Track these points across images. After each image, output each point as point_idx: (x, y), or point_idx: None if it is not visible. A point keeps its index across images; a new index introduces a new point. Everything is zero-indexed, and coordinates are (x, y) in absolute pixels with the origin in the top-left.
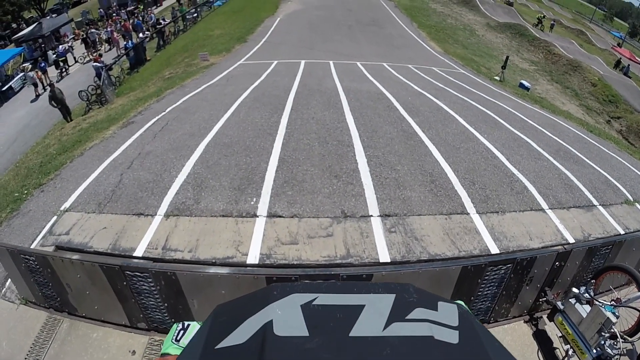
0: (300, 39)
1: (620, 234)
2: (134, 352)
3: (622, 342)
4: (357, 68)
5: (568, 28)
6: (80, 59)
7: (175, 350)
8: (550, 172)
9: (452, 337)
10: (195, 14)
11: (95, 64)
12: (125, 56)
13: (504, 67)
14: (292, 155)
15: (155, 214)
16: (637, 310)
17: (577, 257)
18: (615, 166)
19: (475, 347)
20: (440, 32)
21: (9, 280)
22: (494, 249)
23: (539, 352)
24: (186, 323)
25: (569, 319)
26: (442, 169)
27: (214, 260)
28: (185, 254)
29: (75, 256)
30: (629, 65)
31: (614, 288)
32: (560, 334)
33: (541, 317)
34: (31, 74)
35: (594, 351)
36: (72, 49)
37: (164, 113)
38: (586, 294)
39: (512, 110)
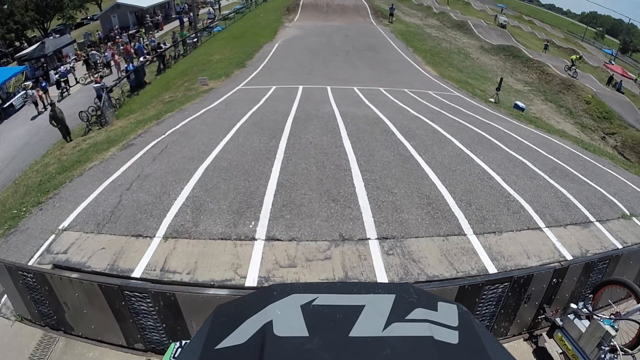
0: (298, 64)
1: (617, 249)
2: None
3: (623, 355)
4: (354, 93)
5: (560, 48)
6: (82, 80)
7: None
8: (546, 191)
9: (452, 337)
10: (196, 39)
11: (95, 85)
12: (126, 78)
13: (498, 89)
14: (291, 180)
15: (154, 236)
16: (637, 322)
17: (575, 273)
18: (611, 182)
19: (475, 347)
20: (436, 56)
21: (5, 296)
22: (492, 269)
23: None
24: (184, 342)
25: (569, 334)
26: (438, 191)
27: (212, 283)
28: (184, 275)
29: (74, 275)
30: (621, 81)
31: (613, 302)
32: (561, 351)
33: (541, 334)
34: (32, 92)
35: None
36: (74, 70)
37: (163, 136)
38: (585, 309)
39: (507, 131)
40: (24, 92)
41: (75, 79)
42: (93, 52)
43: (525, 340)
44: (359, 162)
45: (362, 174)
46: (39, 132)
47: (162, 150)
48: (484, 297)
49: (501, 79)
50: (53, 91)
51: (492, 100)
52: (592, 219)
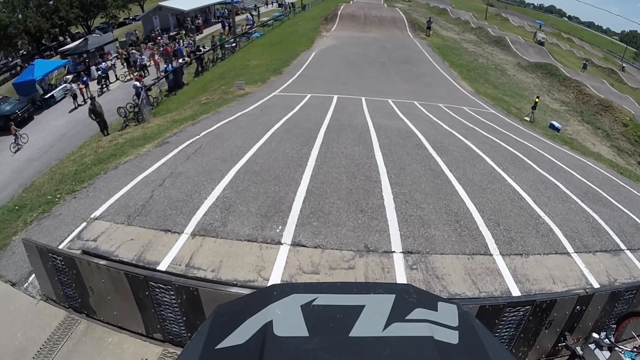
0: (334, 74)
1: None
2: None
3: None
4: (388, 105)
5: (599, 67)
6: (121, 77)
7: None
8: (577, 215)
9: (452, 337)
10: (234, 44)
11: (135, 83)
12: (164, 78)
13: (534, 108)
14: (320, 188)
15: (182, 232)
16: None
17: (600, 302)
18: None
19: (475, 348)
20: (472, 71)
21: (33, 275)
22: (515, 292)
23: None
24: None
25: None
26: (467, 209)
27: (235, 282)
28: (208, 273)
29: (103, 262)
30: None
31: (637, 335)
32: None
33: None
34: (71, 85)
35: None
36: (115, 67)
37: (198, 136)
38: (607, 340)
39: (541, 152)
40: (64, 84)
41: (116, 75)
42: (133, 51)
43: None
44: (389, 175)
45: (391, 186)
46: (78, 124)
47: (196, 150)
48: (504, 319)
49: (537, 97)
50: (93, 86)
51: (527, 119)
52: (622, 246)
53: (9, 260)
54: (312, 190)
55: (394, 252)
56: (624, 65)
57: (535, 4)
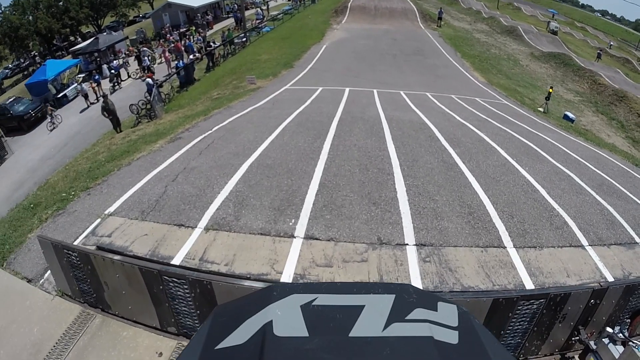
0: (345, 66)
1: None
2: (160, 354)
3: None
4: (400, 97)
5: (614, 57)
6: (133, 75)
7: None
8: (592, 208)
9: (452, 337)
10: (244, 39)
11: (148, 80)
12: (175, 75)
13: (547, 99)
14: (333, 180)
15: (196, 227)
16: None
17: (614, 296)
18: None
19: (475, 347)
20: (484, 62)
21: (48, 271)
22: (529, 285)
23: None
24: None
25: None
26: (480, 201)
27: (248, 276)
28: (222, 267)
29: (117, 257)
30: None
31: None
32: None
33: (573, 357)
34: (84, 85)
35: None
36: (128, 64)
37: (210, 132)
38: (621, 334)
39: (555, 143)
40: (76, 84)
41: (128, 73)
42: (144, 48)
43: None
44: (402, 167)
45: (404, 179)
46: (91, 122)
47: (208, 145)
48: (517, 312)
49: (550, 87)
50: (105, 84)
51: (541, 109)
52: (637, 240)
53: (25, 257)
54: (325, 183)
55: (407, 244)
56: (611, 43)
57: None
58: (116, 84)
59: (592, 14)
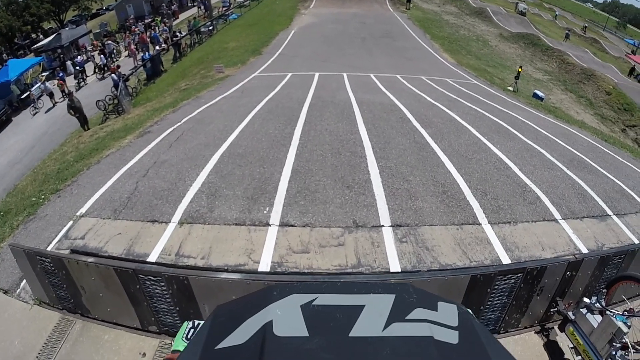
0: (314, 51)
1: (634, 244)
2: (144, 355)
3: (634, 352)
4: (370, 80)
5: (582, 37)
6: (97, 75)
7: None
8: (563, 182)
9: (452, 337)
10: (211, 27)
11: (112, 75)
12: (142, 67)
13: (517, 78)
14: (305, 166)
15: (170, 221)
16: None
17: (589, 267)
18: (630, 175)
19: (475, 347)
20: (453, 43)
21: (24, 281)
22: (506, 260)
23: None
24: (196, 322)
25: (580, 329)
26: (454, 180)
27: (226, 267)
28: (198, 260)
29: (91, 259)
30: None
31: (627, 298)
32: (572, 345)
33: (552, 327)
34: (47, 84)
35: None
36: (94, 58)
37: (179, 123)
38: (598, 304)
39: (525, 121)
40: (40, 83)
41: (99, 67)
42: (109, 42)
43: (536, 333)
44: (374, 150)
45: (377, 161)
46: (57, 121)
47: (178, 137)
48: (495, 287)
49: (520, 67)
50: (70, 81)
51: (510, 89)
52: (609, 212)
53: None
54: (298, 169)
55: (383, 226)
56: (586, 25)
57: None
58: (81, 80)
59: None
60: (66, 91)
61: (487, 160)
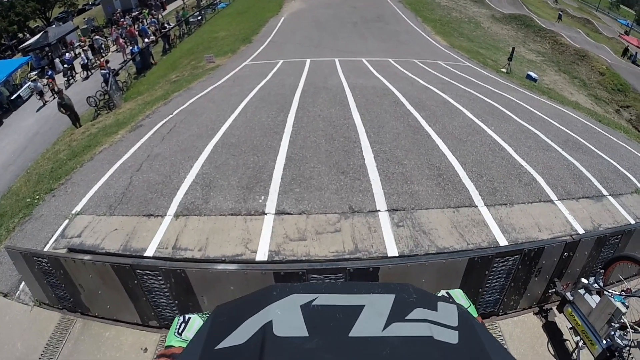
0: (305, 37)
1: (630, 224)
2: (145, 350)
3: (633, 332)
4: (362, 65)
5: (574, 17)
6: (82, 74)
7: (178, 343)
8: (558, 163)
9: (452, 337)
10: (200, 17)
11: (101, 70)
12: (131, 61)
13: (510, 59)
14: (299, 153)
15: (165, 215)
16: None
17: (586, 248)
18: (625, 155)
19: (475, 347)
20: (445, 25)
21: (23, 282)
22: (503, 241)
23: (549, 344)
24: (187, 316)
25: (579, 309)
26: (449, 163)
27: (223, 258)
28: (195, 252)
29: (87, 257)
30: (636, 53)
31: (625, 278)
32: (570, 326)
33: (551, 308)
34: (37, 83)
35: (604, 342)
36: (85, 54)
37: (171, 116)
38: (595, 285)
39: (520, 102)
40: (29, 82)
41: (87, 64)
42: (97, 37)
43: (535, 314)
44: (368, 134)
45: (371, 145)
46: (49, 120)
47: (170, 129)
48: (493, 269)
49: (513, 48)
50: (59, 79)
51: (504, 70)
52: (605, 192)
53: None
54: (292, 156)
55: (379, 211)
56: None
57: None
58: (71, 77)
59: None
60: (56, 89)
61: (481, 143)
